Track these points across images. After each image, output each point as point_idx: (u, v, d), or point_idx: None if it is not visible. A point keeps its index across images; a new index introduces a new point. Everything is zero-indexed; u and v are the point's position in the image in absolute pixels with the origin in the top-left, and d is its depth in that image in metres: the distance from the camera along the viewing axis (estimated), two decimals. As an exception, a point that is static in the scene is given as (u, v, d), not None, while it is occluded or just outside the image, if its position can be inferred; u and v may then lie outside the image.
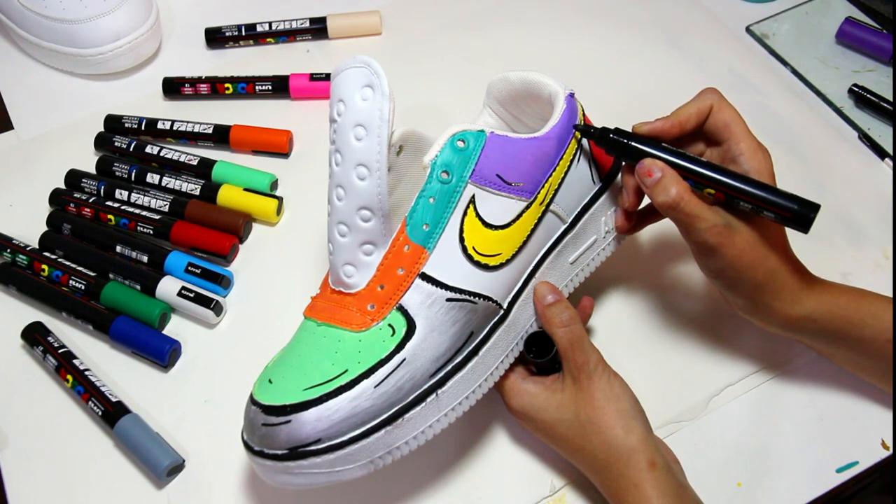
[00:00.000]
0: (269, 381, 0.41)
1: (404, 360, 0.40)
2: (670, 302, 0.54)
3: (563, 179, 0.46)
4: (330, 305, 0.42)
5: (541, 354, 0.45)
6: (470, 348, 0.42)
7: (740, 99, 0.64)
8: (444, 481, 0.47)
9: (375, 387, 0.39)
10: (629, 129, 0.45)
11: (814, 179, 0.60)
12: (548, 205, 0.45)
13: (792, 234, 0.43)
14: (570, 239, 0.47)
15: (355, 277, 0.42)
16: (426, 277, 0.41)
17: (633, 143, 0.43)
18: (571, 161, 0.46)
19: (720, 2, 0.73)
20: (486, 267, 0.43)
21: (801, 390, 0.50)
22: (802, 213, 0.40)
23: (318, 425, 0.38)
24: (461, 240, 0.42)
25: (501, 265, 0.43)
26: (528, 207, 0.44)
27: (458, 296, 0.42)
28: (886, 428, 0.48)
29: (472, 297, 0.42)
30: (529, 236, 0.45)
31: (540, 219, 0.45)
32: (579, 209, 0.48)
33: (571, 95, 0.46)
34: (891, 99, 0.63)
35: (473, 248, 0.42)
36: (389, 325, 0.41)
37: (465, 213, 0.42)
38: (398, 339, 0.40)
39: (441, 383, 0.41)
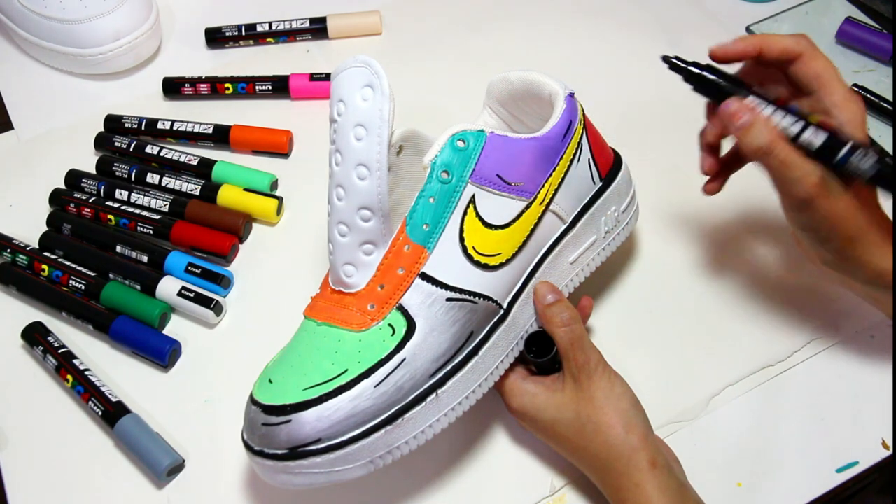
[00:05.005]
0: (269, 381, 0.41)
1: (404, 359, 0.40)
2: (670, 302, 0.54)
3: (563, 179, 0.46)
4: (330, 305, 0.42)
5: (541, 354, 0.45)
6: (470, 348, 0.42)
7: (740, 99, 0.65)
8: (444, 481, 0.47)
9: (375, 386, 0.39)
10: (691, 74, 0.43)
11: (814, 179, 0.60)
12: (548, 205, 0.45)
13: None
14: (570, 239, 0.47)
15: (355, 277, 0.42)
16: (426, 277, 0.41)
17: (725, 84, 0.41)
18: (571, 161, 0.46)
19: (720, 2, 0.72)
20: (486, 267, 0.43)
21: (801, 390, 0.50)
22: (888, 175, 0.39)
23: (318, 425, 0.38)
24: (461, 240, 0.42)
25: (501, 265, 0.43)
26: (528, 207, 0.44)
27: (458, 296, 0.42)
28: (886, 428, 0.48)
29: (472, 297, 0.42)
30: (529, 236, 0.45)
31: (540, 219, 0.45)
32: (579, 209, 0.48)
33: (571, 95, 0.46)
34: (891, 99, 0.63)
35: (473, 247, 0.42)
36: (389, 325, 0.41)
37: (465, 213, 0.42)
38: (398, 339, 0.40)
39: (441, 383, 0.41)
